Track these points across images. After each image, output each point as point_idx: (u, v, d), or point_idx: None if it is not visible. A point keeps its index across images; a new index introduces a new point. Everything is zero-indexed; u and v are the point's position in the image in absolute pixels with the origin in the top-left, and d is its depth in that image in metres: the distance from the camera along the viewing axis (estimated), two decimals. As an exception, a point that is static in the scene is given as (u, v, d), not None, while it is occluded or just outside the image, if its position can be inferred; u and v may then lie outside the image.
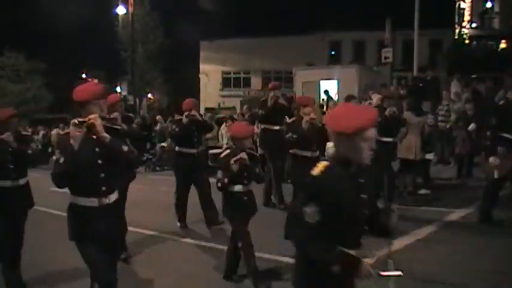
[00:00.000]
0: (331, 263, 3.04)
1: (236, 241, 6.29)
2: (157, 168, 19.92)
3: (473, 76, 18.81)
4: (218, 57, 42.06)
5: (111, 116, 6.99)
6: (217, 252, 7.49)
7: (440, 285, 5.93)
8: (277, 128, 10.52)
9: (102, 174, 4.42)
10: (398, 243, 7.53)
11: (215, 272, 6.70)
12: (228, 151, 6.30)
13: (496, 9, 33.72)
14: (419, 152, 10.93)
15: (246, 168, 6.08)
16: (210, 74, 43.51)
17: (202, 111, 26.12)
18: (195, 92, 42.24)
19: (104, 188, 4.43)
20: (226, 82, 44.22)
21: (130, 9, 30.23)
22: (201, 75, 44.15)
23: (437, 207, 9.07)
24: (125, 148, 4.50)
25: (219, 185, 6.10)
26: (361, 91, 18.74)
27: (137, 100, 32.97)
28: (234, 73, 44.14)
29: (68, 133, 4.33)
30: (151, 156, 20.72)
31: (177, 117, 9.70)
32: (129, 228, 6.94)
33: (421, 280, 5.97)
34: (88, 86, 4.67)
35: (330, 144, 10.03)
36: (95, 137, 4.32)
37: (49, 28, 42.00)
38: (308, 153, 8.27)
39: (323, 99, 21.21)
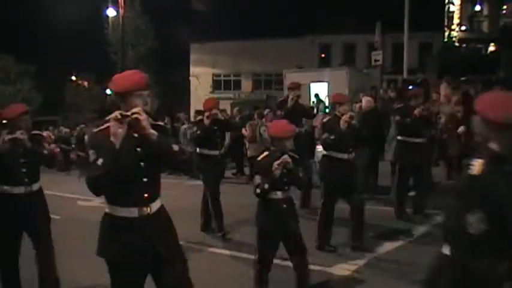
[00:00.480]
0: (502, 280, 2.60)
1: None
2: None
3: (462, 79, 18.93)
4: (208, 60, 42.09)
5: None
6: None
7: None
8: (296, 130, 10.06)
9: (145, 179, 3.79)
10: (389, 245, 7.60)
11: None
12: (266, 153, 5.60)
13: (485, 12, 33.90)
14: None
15: (288, 172, 5.36)
16: (200, 77, 43.52)
17: (192, 113, 26.24)
18: (185, 95, 42.40)
19: (146, 195, 3.79)
20: (216, 84, 44.22)
21: (121, 11, 30.15)
22: (191, 78, 44.14)
23: (427, 209, 9.10)
24: (176, 147, 3.85)
25: (258, 191, 5.33)
26: (351, 93, 18.82)
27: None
28: (225, 75, 44.17)
29: (103, 130, 3.73)
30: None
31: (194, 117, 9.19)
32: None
33: (412, 281, 6.03)
34: (130, 74, 3.94)
35: (319, 148, 9.94)
36: (136, 134, 3.70)
37: (39, 30, 42.00)
38: (344, 156, 7.45)
39: (313, 102, 21.31)
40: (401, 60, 23.82)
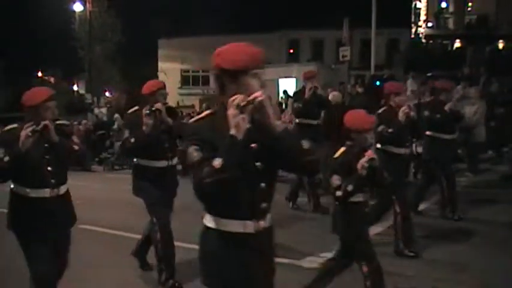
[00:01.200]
0: None
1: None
2: (116, 167, 19.69)
3: (428, 74, 19.18)
4: (177, 55, 41.80)
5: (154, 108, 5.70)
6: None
7: (397, 275, 6.04)
8: (314, 122, 9.44)
9: (263, 184, 2.90)
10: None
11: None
12: (343, 149, 4.78)
13: (451, 9, 34.43)
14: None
15: (373, 171, 4.57)
16: (168, 72, 43.12)
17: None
18: (153, 90, 41.90)
19: (264, 205, 2.92)
20: (185, 80, 43.96)
21: (88, 6, 29.85)
22: (159, 74, 43.77)
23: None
24: (306, 144, 2.87)
25: (340, 193, 4.55)
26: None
27: (95, 99, 32.60)
28: (193, 71, 43.91)
29: (205, 118, 2.91)
30: (109, 155, 20.53)
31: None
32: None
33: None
34: (245, 47, 2.86)
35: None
36: (249, 124, 2.70)
37: (4, 25, 41.22)
38: (401, 150, 6.75)
39: (282, 98, 21.39)
40: (369, 56, 24.02)
